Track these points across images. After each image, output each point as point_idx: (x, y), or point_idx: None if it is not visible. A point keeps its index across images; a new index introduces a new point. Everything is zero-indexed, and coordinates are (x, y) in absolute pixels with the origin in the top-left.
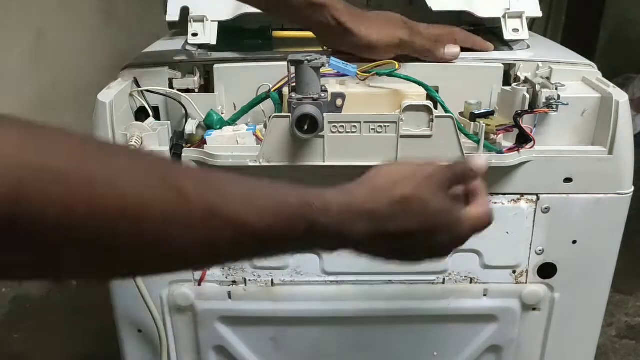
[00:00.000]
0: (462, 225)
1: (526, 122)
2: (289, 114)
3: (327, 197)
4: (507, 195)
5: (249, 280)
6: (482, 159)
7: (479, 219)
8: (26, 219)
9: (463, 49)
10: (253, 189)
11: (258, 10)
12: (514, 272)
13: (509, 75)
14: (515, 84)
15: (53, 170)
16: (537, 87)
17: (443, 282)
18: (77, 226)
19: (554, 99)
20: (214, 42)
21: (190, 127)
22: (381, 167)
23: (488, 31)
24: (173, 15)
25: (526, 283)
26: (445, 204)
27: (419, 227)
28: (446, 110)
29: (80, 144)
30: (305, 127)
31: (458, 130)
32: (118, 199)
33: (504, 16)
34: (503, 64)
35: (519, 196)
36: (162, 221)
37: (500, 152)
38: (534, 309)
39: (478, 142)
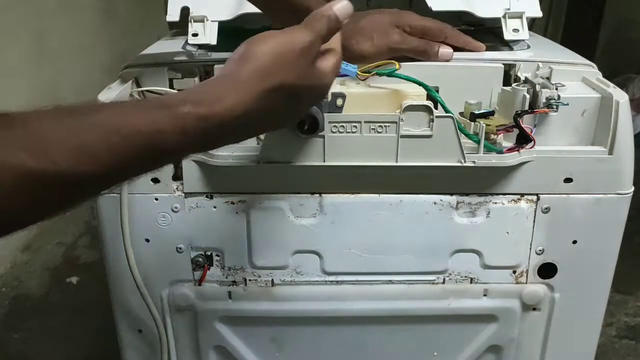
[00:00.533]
0: (326, 85)
1: (526, 122)
2: None
3: (181, 115)
4: (507, 195)
5: (249, 280)
6: (343, 5)
7: (335, 67)
8: None
9: (455, 49)
10: (80, 132)
11: (258, 11)
12: (514, 272)
13: (509, 76)
14: (516, 84)
15: None
16: (537, 87)
17: (443, 282)
18: None
19: (554, 99)
20: (214, 42)
21: None
22: (249, 49)
23: (488, 31)
24: (173, 15)
25: (526, 283)
26: (314, 76)
27: (291, 105)
28: (446, 110)
29: None
30: (306, 127)
31: (458, 130)
32: None
33: (504, 16)
34: (503, 64)
35: (519, 196)
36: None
37: (500, 152)
38: (534, 309)
39: (478, 142)
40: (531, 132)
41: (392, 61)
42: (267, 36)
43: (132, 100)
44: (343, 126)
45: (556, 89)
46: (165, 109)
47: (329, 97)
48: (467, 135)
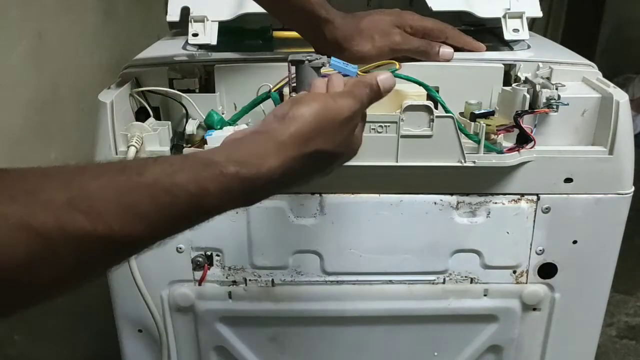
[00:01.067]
0: (357, 148)
1: (526, 122)
2: None
3: (227, 176)
4: (507, 195)
5: (250, 280)
6: (386, 77)
7: (362, 130)
8: None
9: (455, 49)
10: (129, 194)
11: (259, 11)
12: (515, 272)
13: (509, 76)
14: (516, 84)
15: None
16: (538, 87)
17: (443, 282)
18: None
19: (554, 99)
20: (214, 42)
21: (191, 127)
22: (292, 112)
23: (488, 31)
24: (173, 15)
25: (526, 283)
26: (351, 143)
27: (324, 167)
28: (446, 110)
29: None
30: None
31: (458, 130)
32: None
33: (504, 16)
34: (503, 64)
35: (519, 196)
36: (26, 268)
37: (500, 152)
38: (534, 309)
39: (478, 142)
40: (531, 132)
41: (393, 61)
42: (312, 99)
43: (177, 157)
44: None
45: (556, 89)
46: (212, 169)
47: None
48: (468, 135)
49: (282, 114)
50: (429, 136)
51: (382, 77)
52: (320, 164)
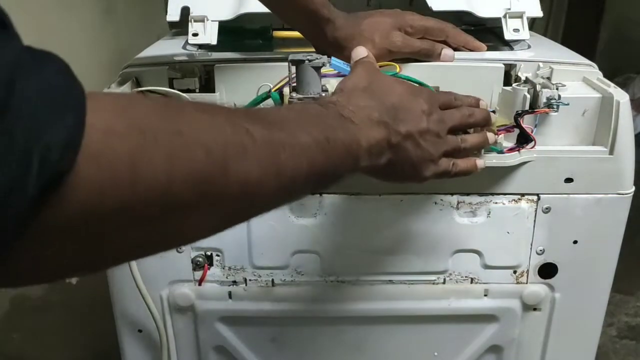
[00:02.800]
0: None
1: (527, 122)
2: None
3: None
4: (507, 195)
5: (250, 280)
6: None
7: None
8: (141, 184)
9: (455, 49)
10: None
11: (259, 10)
12: (515, 272)
13: (509, 76)
14: (516, 84)
15: (153, 133)
16: (538, 87)
17: (444, 282)
18: (181, 182)
19: (555, 99)
20: (214, 42)
21: None
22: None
23: (488, 31)
24: (173, 15)
25: (527, 283)
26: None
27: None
28: None
29: (163, 109)
30: None
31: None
32: (207, 155)
33: (504, 16)
34: (504, 64)
35: (519, 196)
36: (243, 162)
37: (500, 152)
38: (534, 309)
39: None
40: (532, 132)
41: (393, 64)
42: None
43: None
44: None
45: (557, 88)
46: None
47: None
48: None
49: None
50: None
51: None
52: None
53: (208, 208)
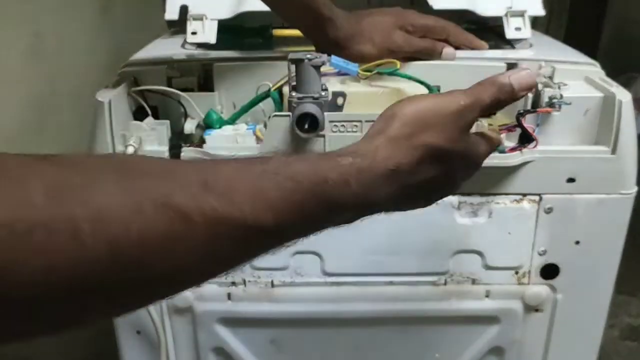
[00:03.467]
0: (479, 157)
1: (529, 122)
2: (289, 113)
3: (344, 166)
4: (509, 196)
5: (249, 281)
6: (523, 75)
7: (492, 144)
8: (14, 285)
9: (456, 47)
10: (257, 180)
11: (258, 9)
12: (517, 273)
13: None
14: None
15: (29, 223)
16: (540, 87)
17: (445, 284)
18: (65, 279)
19: (557, 99)
20: (213, 40)
21: (190, 126)
22: (395, 110)
23: (490, 30)
24: (172, 13)
25: (528, 284)
26: (467, 145)
27: (442, 174)
28: None
29: (56, 177)
30: (306, 126)
31: None
32: (109, 242)
33: (506, 15)
34: (505, 62)
35: (521, 196)
36: (162, 249)
37: (502, 151)
38: (536, 310)
39: None
40: (533, 131)
41: (393, 60)
42: (416, 98)
43: (291, 154)
44: (344, 125)
45: (559, 88)
46: (328, 160)
47: (330, 96)
48: None
49: (386, 117)
50: None
51: (517, 75)
52: (437, 164)
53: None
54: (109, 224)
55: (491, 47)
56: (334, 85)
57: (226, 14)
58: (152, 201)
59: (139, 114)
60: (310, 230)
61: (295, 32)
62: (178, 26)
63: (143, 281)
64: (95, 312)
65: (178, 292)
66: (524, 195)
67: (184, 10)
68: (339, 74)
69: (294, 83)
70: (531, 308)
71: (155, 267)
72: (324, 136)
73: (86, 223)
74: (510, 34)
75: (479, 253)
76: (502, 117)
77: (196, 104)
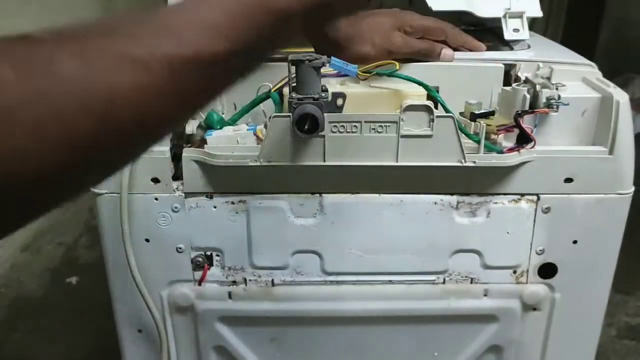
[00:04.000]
0: None
1: (527, 122)
2: (289, 114)
3: None
4: (507, 196)
5: (249, 280)
6: None
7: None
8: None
9: (455, 48)
10: (200, 12)
11: None
12: (515, 272)
13: (509, 75)
14: (516, 84)
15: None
16: (538, 87)
17: (443, 282)
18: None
19: (555, 99)
20: None
21: (190, 127)
22: None
23: (488, 31)
24: None
25: (527, 283)
26: None
27: None
28: (447, 110)
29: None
30: (306, 127)
31: (458, 130)
32: (81, 108)
33: (504, 16)
34: (503, 64)
35: (519, 196)
36: (130, 102)
37: (500, 152)
38: (534, 309)
39: (478, 142)
40: (532, 132)
41: (392, 61)
42: None
43: None
44: (343, 126)
45: (556, 89)
46: None
47: (330, 97)
48: (468, 135)
49: None
50: (429, 136)
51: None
52: None
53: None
54: (78, 90)
55: (489, 49)
56: (333, 86)
57: None
58: (111, 56)
59: None
60: (264, 47)
61: None
62: None
63: (119, 138)
64: (86, 181)
65: (155, 142)
66: (522, 195)
67: None
68: (338, 75)
69: (294, 84)
70: (529, 307)
71: (126, 122)
72: (323, 137)
73: (57, 94)
74: (508, 35)
75: (478, 252)
76: (501, 118)
77: None
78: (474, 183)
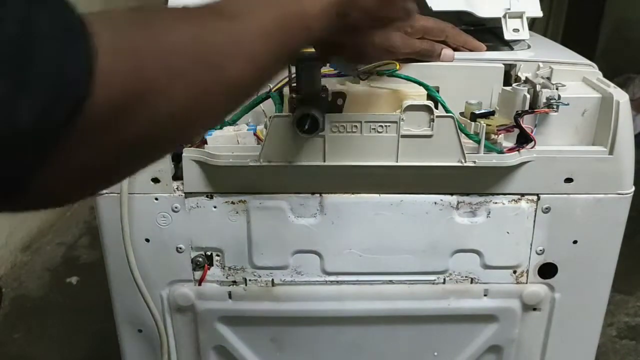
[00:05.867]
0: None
1: (527, 122)
2: (290, 114)
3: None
4: (507, 195)
5: (249, 280)
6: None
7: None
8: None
9: (455, 48)
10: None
11: None
12: (515, 272)
13: (509, 76)
14: (516, 84)
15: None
16: (538, 87)
17: (443, 282)
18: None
19: (555, 99)
20: None
21: None
22: None
23: (488, 31)
24: None
25: (527, 283)
26: None
27: None
28: (447, 110)
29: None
30: (306, 127)
31: (458, 130)
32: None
33: (504, 16)
34: (504, 64)
35: (519, 196)
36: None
37: (501, 152)
38: (534, 309)
39: (478, 142)
40: (532, 132)
41: (392, 61)
42: None
43: None
44: (343, 126)
45: (556, 89)
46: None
47: (330, 97)
48: (468, 135)
49: None
50: (429, 136)
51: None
52: None
53: (201, 106)
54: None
55: (489, 49)
56: (333, 86)
57: None
58: (202, 26)
59: None
60: (290, 46)
61: None
62: None
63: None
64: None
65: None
66: (522, 195)
67: None
68: (338, 75)
69: (295, 84)
70: (529, 307)
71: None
72: (323, 137)
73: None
74: (508, 35)
75: (478, 252)
76: (501, 118)
77: None
78: (474, 183)
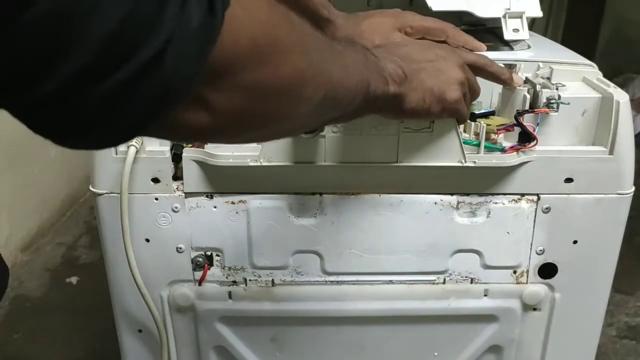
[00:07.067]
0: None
1: (528, 122)
2: None
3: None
4: (507, 195)
5: (250, 280)
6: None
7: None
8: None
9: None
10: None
11: None
12: (515, 272)
13: None
14: None
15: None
16: (538, 87)
17: (443, 282)
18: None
19: (555, 99)
20: None
21: None
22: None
23: (488, 31)
24: None
25: (527, 283)
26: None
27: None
28: None
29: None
30: None
31: (459, 130)
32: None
33: (504, 16)
34: (503, 64)
35: (519, 196)
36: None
37: (503, 150)
38: (534, 309)
39: (478, 144)
40: (534, 130)
41: None
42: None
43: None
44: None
45: (557, 88)
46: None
47: None
48: (465, 142)
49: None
50: (430, 136)
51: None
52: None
53: (326, 101)
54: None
55: (489, 49)
56: None
57: None
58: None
59: None
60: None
61: None
62: None
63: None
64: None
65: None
66: (522, 195)
67: None
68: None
69: None
70: (529, 307)
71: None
72: (324, 136)
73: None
74: (508, 35)
75: (478, 252)
76: (501, 118)
77: None
78: (474, 183)
